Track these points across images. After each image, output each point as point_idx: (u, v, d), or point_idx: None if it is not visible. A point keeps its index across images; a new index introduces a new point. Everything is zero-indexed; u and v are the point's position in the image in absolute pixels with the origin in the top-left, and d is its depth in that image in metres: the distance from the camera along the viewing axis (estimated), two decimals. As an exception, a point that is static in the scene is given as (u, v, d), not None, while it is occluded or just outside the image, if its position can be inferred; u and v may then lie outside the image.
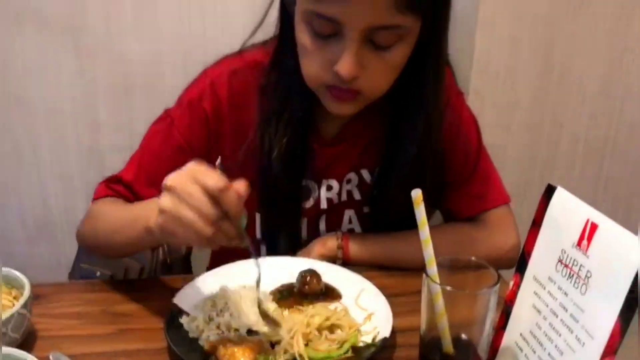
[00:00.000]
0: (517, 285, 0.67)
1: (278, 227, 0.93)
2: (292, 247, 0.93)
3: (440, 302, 0.62)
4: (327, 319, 0.72)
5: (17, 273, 0.75)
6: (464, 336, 0.64)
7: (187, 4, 1.32)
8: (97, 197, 0.93)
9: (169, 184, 0.64)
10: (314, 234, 0.95)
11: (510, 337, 0.67)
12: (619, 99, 1.29)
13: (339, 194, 0.94)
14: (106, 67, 1.35)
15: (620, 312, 0.51)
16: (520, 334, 0.65)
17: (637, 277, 0.50)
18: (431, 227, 0.93)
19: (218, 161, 0.82)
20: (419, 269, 0.66)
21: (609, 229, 0.55)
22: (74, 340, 0.75)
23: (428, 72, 0.81)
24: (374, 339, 0.71)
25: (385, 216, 0.93)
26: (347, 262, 0.90)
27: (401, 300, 0.84)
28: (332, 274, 0.84)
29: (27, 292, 0.71)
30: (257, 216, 0.94)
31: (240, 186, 0.64)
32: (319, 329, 0.71)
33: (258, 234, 0.95)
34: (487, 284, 0.62)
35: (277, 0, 0.82)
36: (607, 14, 1.22)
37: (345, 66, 0.72)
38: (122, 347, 0.74)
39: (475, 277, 0.65)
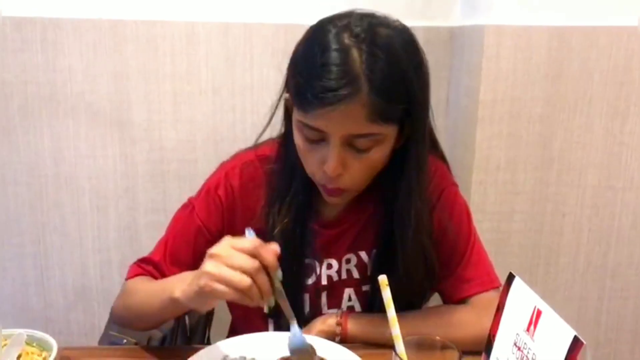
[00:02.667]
0: (497, 323, 0.73)
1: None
2: (300, 322, 0.98)
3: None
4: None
5: (48, 336, 0.86)
6: None
7: (220, 101, 1.48)
8: (129, 277, 1.04)
9: (212, 252, 0.77)
10: (316, 309, 1.03)
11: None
12: (620, 190, 1.35)
13: (339, 272, 1.03)
14: (146, 154, 1.50)
15: (553, 391, 0.58)
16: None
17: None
18: (424, 309, 1.02)
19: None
20: None
21: (549, 316, 0.63)
22: (94, 401, 0.84)
23: (411, 163, 0.92)
24: None
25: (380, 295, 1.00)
26: (344, 339, 0.96)
27: None
28: (329, 350, 0.90)
29: (54, 353, 0.82)
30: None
31: (274, 245, 0.78)
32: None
33: (265, 309, 1.01)
34: (452, 364, 0.69)
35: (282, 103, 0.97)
36: (602, 113, 1.31)
37: (330, 166, 0.86)
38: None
39: (441, 356, 0.72)
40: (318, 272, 1.02)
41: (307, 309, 1.03)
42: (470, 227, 1.04)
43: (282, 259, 0.95)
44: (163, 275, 1.01)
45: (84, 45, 1.44)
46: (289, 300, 0.99)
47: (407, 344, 0.70)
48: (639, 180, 1.35)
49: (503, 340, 0.71)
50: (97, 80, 1.46)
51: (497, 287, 1.00)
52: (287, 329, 1.01)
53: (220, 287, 0.75)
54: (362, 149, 0.86)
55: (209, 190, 1.03)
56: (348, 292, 1.03)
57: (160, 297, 0.89)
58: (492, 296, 0.98)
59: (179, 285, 0.82)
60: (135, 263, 1.06)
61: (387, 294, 0.68)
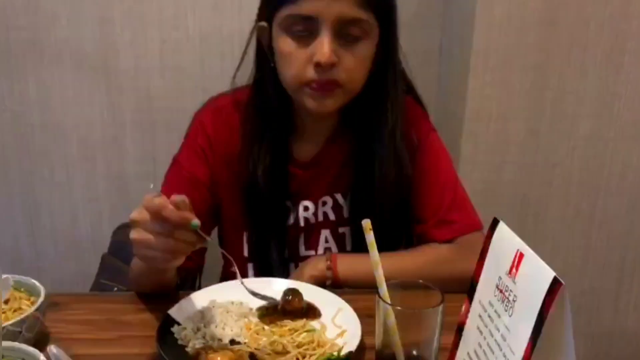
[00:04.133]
0: (467, 309, 0.74)
1: (265, 245, 1.03)
2: (278, 263, 1.02)
3: (391, 319, 0.69)
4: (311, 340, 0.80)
5: (36, 282, 0.87)
6: (415, 353, 0.72)
7: (208, 48, 1.45)
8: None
9: (131, 218, 0.75)
10: (295, 252, 1.05)
11: (460, 356, 0.74)
12: (611, 141, 1.34)
13: (315, 214, 1.04)
14: (133, 102, 1.48)
15: (532, 331, 0.58)
16: (467, 353, 0.72)
17: (545, 301, 0.57)
18: (410, 249, 1.03)
19: None
20: None
21: (531, 259, 0.63)
22: (81, 343, 0.85)
23: (387, 86, 0.97)
24: (339, 352, 0.79)
25: (360, 237, 1.01)
26: (336, 283, 0.97)
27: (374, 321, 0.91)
28: (315, 294, 0.91)
29: (41, 298, 0.82)
30: (245, 236, 1.05)
31: (175, 198, 0.73)
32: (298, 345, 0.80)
33: (246, 253, 1.05)
34: (434, 304, 0.70)
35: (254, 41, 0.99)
36: (596, 62, 1.29)
37: (323, 54, 0.87)
38: (121, 351, 0.84)
39: (424, 298, 0.72)
40: (295, 214, 1.04)
41: (285, 250, 1.05)
42: (452, 170, 1.06)
43: (265, 200, 1.00)
44: None
45: (67, -11, 1.40)
46: (279, 242, 1.02)
47: (390, 287, 0.70)
48: (630, 131, 1.34)
49: (486, 284, 0.71)
50: (82, 26, 1.43)
51: (480, 230, 1.02)
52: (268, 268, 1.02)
53: (150, 252, 0.74)
54: (352, 38, 0.90)
55: (188, 142, 1.05)
56: (324, 233, 1.05)
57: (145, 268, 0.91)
58: (476, 237, 0.99)
59: None
60: None
61: (370, 237, 0.68)
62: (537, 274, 0.60)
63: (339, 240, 1.06)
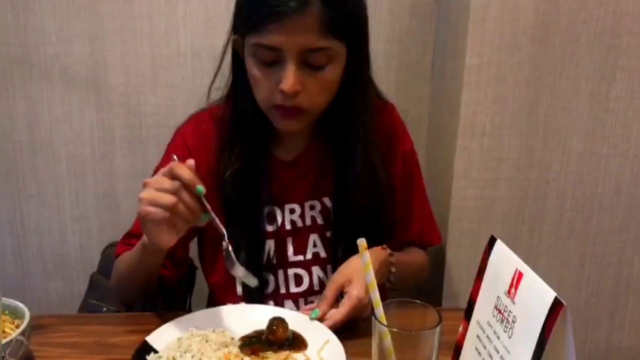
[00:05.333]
0: (465, 329, 0.73)
1: (243, 249, 1.02)
2: (258, 268, 1.02)
3: (388, 340, 0.68)
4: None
5: (21, 304, 0.84)
6: None
7: (199, 65, 1.44)
8: (116, 255, 1.07)
9: (145, 182, 0.83)
10: (283, 256, 1.06)
11: (458, 377, 0.72)
12: (604, 157, 1.34)
13: (302, 217, 1.06)
14: (124, 119, 1.46)
15: (533, 354, 0.57)
16: (466, 375, 0.71)
17: (546, 322, 0.56)
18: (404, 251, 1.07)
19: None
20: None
21: (530, 278, 0.61)
22: (66, 367, 0.83)
23: (356, 97, 1.00)
24: None
25: (347, 241, 1.03)
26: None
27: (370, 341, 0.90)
28: (303, 325, 0.89)
29: (26, 321, 0.80)
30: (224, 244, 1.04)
31: (189, 161, 0.84)
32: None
33: (238, 290, 1.04)
34: (431, 325, 0.68)
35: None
36: (588, 78, 1.29)
37: (287, 83, 0.90)
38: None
39: (421, 317, 0.71)
40: (280, 218, 1.05)
41: (272, 255, 1.05)
42: (422, 181, 1.17)
43: (238, 205, 1.01)
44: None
45: (57, 5, 1.39)
46: (250, 248, 1.02)
47: (386, 307, 0.69)
48: (623, 147, 1.33)
49: (484, 304, 0.70)
50: (72, 42, 1.41)
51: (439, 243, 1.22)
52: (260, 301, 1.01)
53: (152, 209, 0.80)
54: (317, 66, 0.91)
55: (168, 154, 1.06)
56: (313, 238, 1.06)
57: (137, 250, 0.93)
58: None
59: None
60: (120, 241, 1.08)
61: (365, 258, 0.66)
62: (537, 294, 0.59)
63: (327, 244, 1.07)
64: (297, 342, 0.87)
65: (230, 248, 0.87)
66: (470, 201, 1.34)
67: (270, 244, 1.05)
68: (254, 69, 0.94)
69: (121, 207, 1.51)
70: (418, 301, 0.71)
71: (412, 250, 1.15)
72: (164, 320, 0.91)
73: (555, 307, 0.55)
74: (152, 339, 0.85)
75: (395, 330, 0.67)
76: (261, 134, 1.02)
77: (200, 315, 0.92)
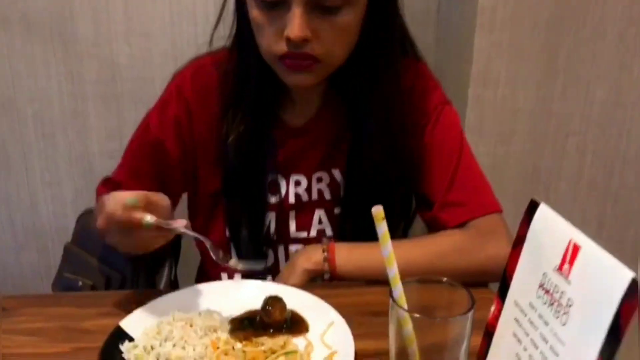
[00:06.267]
0: (499, 310, 0.61)
1: (242, 221, 0.93)
2: (257, 243, 0.92)
3: (408, 327, 0.56)
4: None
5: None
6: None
7: (178, 10, 1.28)
8: (99, 195, 0.97)
9: (98, 227, 0.74)
10: (284, 232, 0.94)
11: (490, 365, 0.61)
12: (630, 107, 1.21)
13: (308, 191, 0.94)
14: (95, 73, 1.32)
15: (601, 348, 0.45)
16: (501, 365, 0.59)
17: (620, 310, 0.44)
18: (417, 237, 0.89)
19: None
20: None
21: (592, 253, 0.49)
22: (28, 360, 0.71)
23: (379, 52, 0.84)
24: None
25: (356, 219, 0.92)
26: (334, 277, 0.86)
27: (382, 319, 0.78)
28: (303, 303, 0.78)
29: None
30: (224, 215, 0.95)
31: (126, 201, 0.69)
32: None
33: (228, 233, 0.95)
34: (461, 308, 0.56)
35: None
36: (615, 19, 1.15)
37: (293, 28, 0.75)
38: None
39: (448, 298, 0.59)
40: (284, 189, 0.93)
41: (272, 229, 0.94)
42: (466, 147, 0.93)
43: (240, 173, 0.91)
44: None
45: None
46: (251, 220, 0.92)
47: (406, 286, 0.57)
48: (651, 96, 1.21)
49: (524, 282, 0.58)
50: (32, -15, 1.25)
51: (499, 212, 0.89)
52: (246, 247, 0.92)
53: (123, 251, 0.77)
54: (330, 8, 0.77)
55: (163, 106, 0.94)
56: (319, 213, 0.95)
57: None
58: (495, 219, 0.88)
59: None
60: (100, 183, 0.99)
61: (382, 228, 0.54)
62: (605, 273, 0.47)
63: (335, 222, 0.95)
64: (296, 324, 0.75)
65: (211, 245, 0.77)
66: (481, 158, 1.21)
67: (271, 217, 0.94)
68: (255, 12, 0.80)
69: (96, 170, 1.38)
70: (445, 279, 0.59)
71: (423, 240, 0.91)
72: (143, 301, 0.78)
73: (633, 291, 0.43)
74: (128, 324, 0.73)
75: (418, 316, 0.55)
76: (269, 95, 0.89)
77: (183, 295, 0.80)
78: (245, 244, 0.94)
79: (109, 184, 0.96)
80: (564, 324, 0.50)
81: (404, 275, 0.84)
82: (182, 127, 0.92)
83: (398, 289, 0.55)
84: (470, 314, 0.55)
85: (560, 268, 0.52)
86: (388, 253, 0.55)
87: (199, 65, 0.94)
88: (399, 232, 0.97)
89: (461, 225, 0.88)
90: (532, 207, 0.59)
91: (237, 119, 0.88)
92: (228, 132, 0.89)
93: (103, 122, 1.36)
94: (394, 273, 0.55)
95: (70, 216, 1.37)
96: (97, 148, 1.37)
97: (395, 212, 0.93)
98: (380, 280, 0.81)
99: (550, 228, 0.55)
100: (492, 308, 0.62)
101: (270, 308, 0.73)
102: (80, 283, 1.15)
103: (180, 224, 0.72)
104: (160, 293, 0.81)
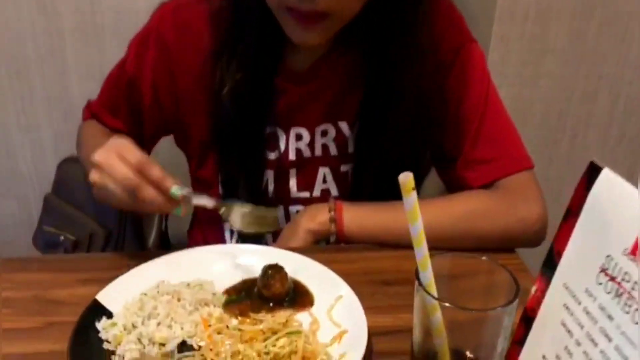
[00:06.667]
0: (542, 292, 0.52)
1: (238, 180, 0.84)
2: (257, 203, 0.81)
3: (437, 316, 0.46)
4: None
5: None
6: (468, 354, 0.49)
7: None
8: (84, 119, 0.94)
9: (96, 160, 0.67)
10: (284, 191, 0.85)
11: (529, 356, 0.52)
12: (671, 48, 1.09)
13: (311, 145, 0.84)
14: (72, 4, 1.19)
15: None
16: (543, 357, 0.50)
17: None
18: (436, 198, 0.79)
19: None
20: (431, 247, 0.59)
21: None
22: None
23: None
24: None
25: (365, 178, 0.83)
26: (341, 239, 0.77)
27: (395, 290, 0.71)
28: (307, 272, 0.69)
29: None
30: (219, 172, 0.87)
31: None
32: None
33: (220, 190, 0.87)
34: (501, 294, 0.46)
35: None
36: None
37: None
38: (44, 347, 0.60)
39: (486, 282, 0.49)
40: (284, 144, 0.84)
41: (270, 188, 0.85)
42: (493, 92, 0.82)
43: (235, 126, 0.81)
44: (104, 124, 0.90)
45: None
46: (247, 179, 0.84)
47: (434, 262, 0.46)
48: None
49: (578, 262, 0.48)
50: None
51: (530, 169, 0.81)
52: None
53: (111, 199, 0.68)
54: None
55: (142, 42, 0.84)
56: (323, 171, 0.85)
57: None
58: (526, 177, 0.79)
59: None
60: (86, 104, 0.95)
61: (411, 201, 0.43)
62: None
63: (341, 181, 0.86)
64: (300, 297, 0.66)
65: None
66: (504, 102, 1.10)
67: (269, 175, 0.85)
68: None
69: (77, 112, 1.25)
70: (484, 257, 0.48)
71: (444, 201, 0.81)
72: (126, 265, 0.69)
73: None
74: (106, 296, 0.64)
75: (449, 306, 0.45)
76: (272, 36, 0.76)
77: (170, 261, 0.70)
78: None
79: (89, 112, 0.93)
80: (636, 322, 0.40)
81: (430, 237, 0.77)
82: (160, 73, 0.83)
83: (428, 274, 0.45)
84: (514, 304, 0.45)
85: (632, 252, 0.42)
86: (417, 231, 0.44)
87: (181, 3, 0.82)
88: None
89: (488, 184, 0.79)
90: (592, 172, 0.48)
91: (233, 65, 0.77)
92: (222, 81, 0.78)
93: (83, 60, 1.25)
94: (422, 255, 0.45)
95: (50, 164, 1.27)
96: (77, 89, 1.27)
97: (411, 170, 0.82)
98: (387, 244, 0.75)
99: (619, 200, 0.45)
100: (533, 288, 0.52)
101: (269, 280, 0.64)
102: (62, 238, 1.07)
103: (207, 201, 0.68)
104: (145, 256, 0.71)
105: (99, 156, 0.66)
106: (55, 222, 1.11)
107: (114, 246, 1.01)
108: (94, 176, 0.67)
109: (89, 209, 1.07)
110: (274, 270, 0.65)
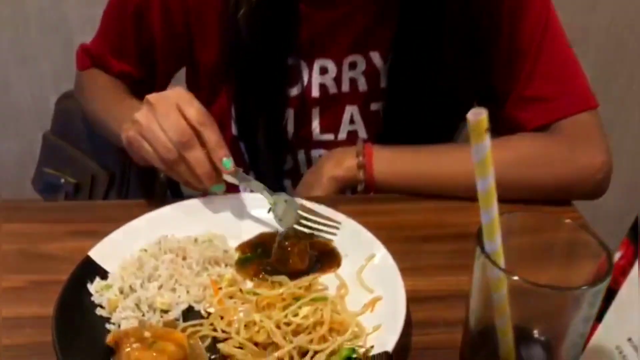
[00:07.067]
0: (629, 260, 0.42)
1: (256, 118, 0.77)
2: (274, 146, 0.78)
3: (502, 292, 0.37)
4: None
5: None
6: (536, 335, 0.40)
7: None
8: (81, 68, 0.86)
9: (151, 100, 0.61)
10: (305, 133, 0.78)
11: (608, 336, 0.42)
12: None
13: (337, 80, 0.75)
14: None
15: None
16: (629, 340, 0.41)
17: None
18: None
19: None
20: (468, 198, 0.58)
21: None
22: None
23: None
24: (366, 352, 0.46)
25: (398, 119, 0.75)
26: (370, 188, 0.70)
27: (434, 248, 0.62)
28: (332, 227, 0.60)
29: None
30: (233, 109, 0.79)
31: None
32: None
33: (233, 130, 0.79)
34: (584, 267, 0.37)
35: None
36: None
37: None
38: (26, 311, 0.53)
39: (566, 250, 0.39)
40: (307, 78, 0.75)
41: (290, 130, 0.78)
42: (553, 19, 0.73)
43: (252, 56, 0.74)
44: (108, 70, 0.83)
45: None
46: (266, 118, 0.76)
47: (505, 228, 0.36)
48: None
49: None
50: None
51: (594, 109, 0.72)
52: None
53: (147, 147, 0.61)
54: None
55: None
56: (350, 110, 0.77)
57: (113, 126, 0.71)
58: (589, 120, 0.71)
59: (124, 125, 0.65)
60: (80, 50, 0.86)
61: (484, 146, 0.32)
62: None
63: (371, 121, 0.78)
64: (325, 257, 0.57)
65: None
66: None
67: (289, 115, 0.76)
68: None
69: (75, 42, 1.15)
70: (568, 220, 0.38)
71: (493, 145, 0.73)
72: (128, 214, 0.61)
73: None
74: (100, 253, 0.55)
75: (516, 279, 0.35)
76: None
77: (174, 212, 0.61)
78: (255, 147, 0.77)
79: (89, 57, 0.84)
80: None
81: (467, 189, 0.68)
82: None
83: (495, 242, 0.35)
84: (602, 285, 0.35)
85: None
86: (487, 187, 0.34)
87: None
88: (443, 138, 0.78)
89: (544, 126, 0.71)
90: None
91: None
92: (238, 2, 0.70)
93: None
94: (490, 218, 0.35)
95: (51, 99, 1.18)
96: (76, 16, 1.16)
97: (451, 110, 0.73)
98: (422, 193, 0.68)
99: None
100: (617, 255, 0.42)
101: (285, 254, 0.55)
102: (62, 181, 1.00)
103: (256, 187, 0.62)
104: (150, 205, 0.63)
105: (154, 98, 0.61)
106: (55, 164, 1.04)
107: (118, 191, 0.94)
108: (140, 115, 0.61)
109: (90, 149, 0.99)
110: (291, 242, 0.55)
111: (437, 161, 0.68)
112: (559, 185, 0.66)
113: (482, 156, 0.32)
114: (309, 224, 0.60)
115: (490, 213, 0.34)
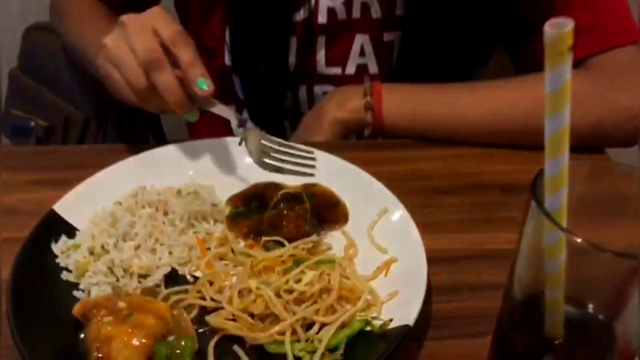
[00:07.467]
0: None
1: (254, 46, 0.69)
2: (276, 79, 0.71)
3: (559, 259, 0.30)
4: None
5: None
6: (590, 309, 0.34)
7: None
8: None
9: (124, 20, 0.56)
10: (309, 66, 0.71)
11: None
12: None
13: (348, 4, 0.68)
14: None
15: None
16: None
17: None
18: (507, 79, 0.63)
19: None
20: (489, 144, 0.59)
21: None
22: None
23: None
24: (383, 326, 0.39)
25: (415, 51, 0.68)
26: (379, 132, 0.64)
27: (453, 200, 0.56)
28: (337, 177, 0.53)
29: None
30: (227, 35, 0.71)
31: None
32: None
33: (227, 61, 0.72)
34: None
35: None
36: None
37: None
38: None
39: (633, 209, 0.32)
40: (312, 1, 0.68)
41: (292, 61, 0.70)
42: None
43: None
44: None
45: None
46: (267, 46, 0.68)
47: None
48: None
49: None
50: None
51: (636, 43, 0.65)
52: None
53: (115, 74, 0.55)
54: None
55: None
56: (360, 40, 0.70)
57: (90, 57, 0.64)
58: (629, 54, 0.64)
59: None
60: None
61: (560, 70, 0.24)
62: None
63: (384, 53, 0.70)
64: (330, 211, 0.49)
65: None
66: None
67: (291, 44, 0.69)
68: None
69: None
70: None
71: (517, 82, 0.66)
72: (102, 161, 0.53)
73: None
74: (67, 206, 0.47)
75: (578, 240, 0.28)
76: None
77: (153, 158, 0.53)
78: (252, 80, 0.70)
79: None
80: None
81: (486, 134, 0.61)
82: None
83: (560, 196, 0.28)
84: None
85: None
86: (559, 128, 0.26)
87: None
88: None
89: (580, 62, 0.63)
90: None
91: None
92: None
93: None
94: (559, 167, 0.27)
95: (17, 30, 1.07)
96: None
97: (474, 44, 0.67)
98: (437, 137, 0.62)
99: None
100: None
101: (279, 218, 0.47)
102: (32, 124, 0.93)
103: (228, 114, 0.55)
104: (129, 151, 0.55)
105: (126, 17, 0.55)
106: (23, 105, 0.95)
107: (95, 135, 0.87)
108: (109, 38, 0.56)
109: (63, 89, 0.90)
110: (287, 207, 0.48)
111: (453, 101, 0.61)
112: (593, 129, 0.59)
113: (559, 84, 0.24)
114: (279, 156, 0.53)
115: (561, 161, 0.27)
